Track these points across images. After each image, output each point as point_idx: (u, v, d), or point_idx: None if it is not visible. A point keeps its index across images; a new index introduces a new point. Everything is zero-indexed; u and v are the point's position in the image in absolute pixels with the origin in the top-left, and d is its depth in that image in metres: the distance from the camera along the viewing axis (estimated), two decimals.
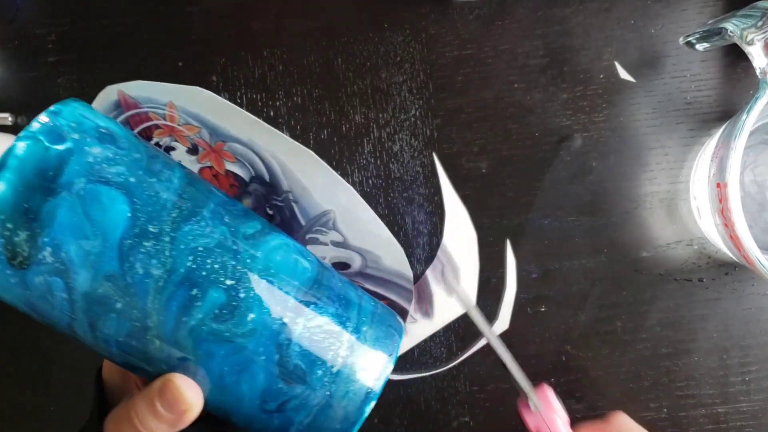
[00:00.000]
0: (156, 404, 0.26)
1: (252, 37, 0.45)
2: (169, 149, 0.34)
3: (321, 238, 0.35)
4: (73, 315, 0.26)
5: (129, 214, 0.26)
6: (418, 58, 0.45)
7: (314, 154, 0.31)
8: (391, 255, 0.34)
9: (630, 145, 0.44)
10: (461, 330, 0.45)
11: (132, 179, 0.26)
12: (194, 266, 0.26)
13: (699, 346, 0.43)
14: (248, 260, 0.28)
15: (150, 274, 0.26)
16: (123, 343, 0.26)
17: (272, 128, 0.31)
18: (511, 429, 0.45)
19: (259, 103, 0.45)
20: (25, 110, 0.46)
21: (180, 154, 0.35)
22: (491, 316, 0.45)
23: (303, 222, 0.35)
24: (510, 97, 0.44)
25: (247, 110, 0.45)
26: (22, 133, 0.25)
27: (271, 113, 0.45)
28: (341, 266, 0.35)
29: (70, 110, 0.27)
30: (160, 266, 0.26)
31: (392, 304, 0.36)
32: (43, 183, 0.25)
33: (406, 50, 0.45)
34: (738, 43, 0.36)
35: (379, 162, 0.45)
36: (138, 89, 0.32)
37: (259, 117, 0.45)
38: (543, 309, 0.44)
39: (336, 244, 0.35)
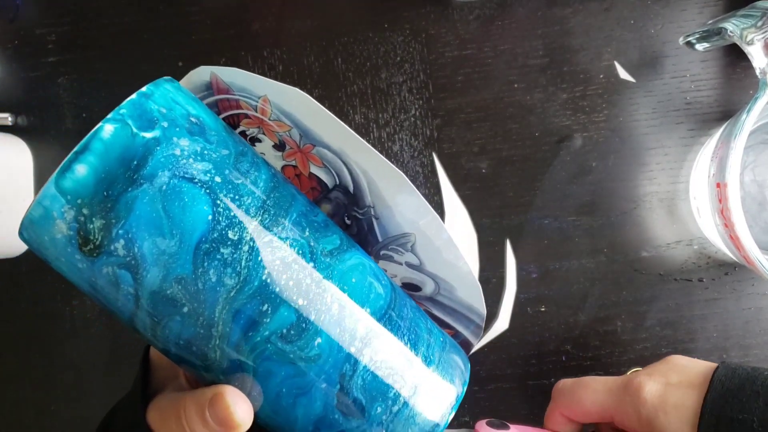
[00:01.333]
0: (206, 413, 0.25)
1: (252, 37, 0.45)
2: (254, 140, 0.33)
3: (396, 257, 0.33)
4: (136, 310, 0.25)
5: (210, 217, 0.24)
6: (418, 58, 0.45)
7: (405, 177, 0.30)
8: (467, 289, 0.32)
9: (630, 145, 0.44)
10: None
11: (218, 178, 0.25)
12: (269, 280, 0.25)
13: (699, 346, 0.43)
14: (323, 280, 0.26)
15: (223, 283, 0.24)
16: (183, 346, 0.25)
17: (366, 143, 0.30)
18: None
19: None
20: (25, 110, 0.46)
21: (266, 147, 0.33)
22: (491, 316, 0.45)
23: (380, 238, 0.33)
24: (510, 97, 0.44)
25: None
26: (111, 114, 0.24)
27: None
28: (412, 287, 0.34)
29: (162, 93, 0.26)
30: (235, 276, 0.24)
31: (456, 335, 0.34)
32: (125, 172, 0.23)
33: (406, 50, 0.45)
34: (738, 43, 0.36)
35: None
36: (233, 76, 0.30)
37: None
38: (543, 309, 0.44)
39: (410, 266, 0.33)
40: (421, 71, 0.45)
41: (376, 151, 0.30)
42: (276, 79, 0.45)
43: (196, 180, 0.24)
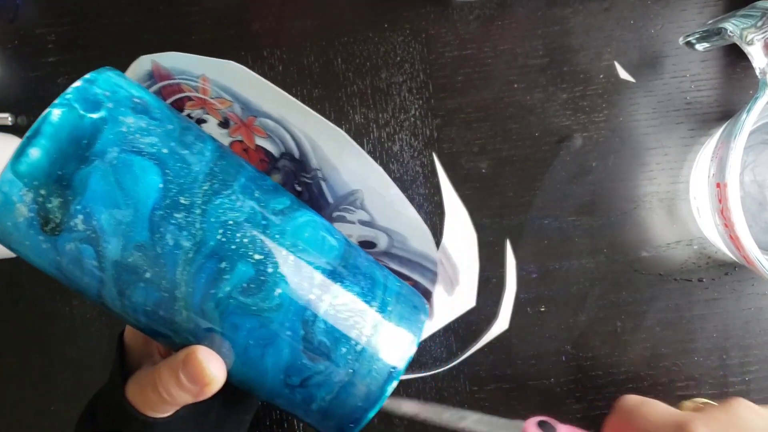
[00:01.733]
0: (180, 374, 0.26)
1: (252, 37, 0.45)
2: (200, 122, 0.34)
3: (348, 216, 0.35)
4: (102, 282, 0.26)
5: (161, 185, 0.26)
6: (417, 58, 0.45)
7: (345, 134, 0.31)
8: (418, 236, 0.34)
9: (630, 145, 0.44)
10: (461, 330, 0.45)
11: (165, 150, 0.27)
12: (224, 239, 0.26)
13: (699, 346, 0.43)
14: (277, 235, 0.28)
15: (180, 246, 0.26)
16: (150, 312, 0.27)
17: (304, 106, 0.31)
18: None
19: None
20: (25, 110, 0.46)
21: (211, 127, 0.34)
22: (491, 316, 0.45)
23: (331, 200, 0.34)
24: (510, 97, 0.44)
25: None
26: (58, 99, 0.26)
27: None
28: (367, 245, 0.35)
29: (105, 78, 0.27)
30: (190, 238, 0.26)
31: (416, 285, 0.36)
32: (76, 151, 0.25)
33: (406, 50, 0.45)
34: (738, 43, 0.36)
35: (379, 162, 0.45)
36: (171, 60, 0.32)
37: None
38: (543, 309, 0.44)
39: (363, 222, 0.35)
40: (421, 71, 0.45)
41: (315, 113, 0.31)
42: (276, 79, 0.45)
43: (144, 153, 0.26)
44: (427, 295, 0.36)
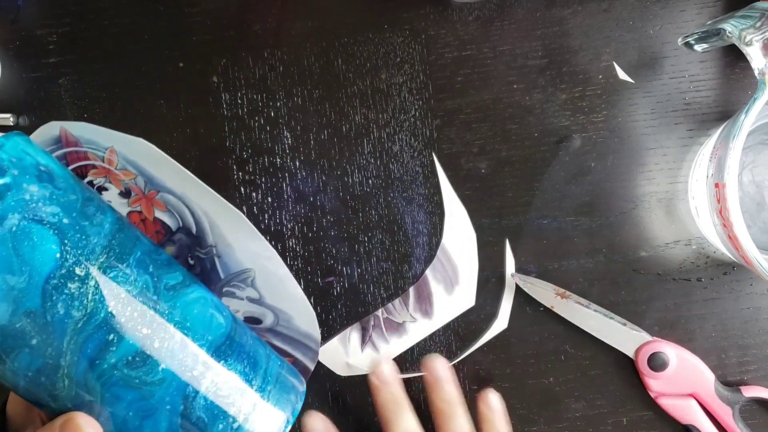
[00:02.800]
0: None
1: (252, 38, 0.45)
2: (101, 189, 0.36)
3: (237, 292, 0.36)
4: None
5: (58, 255, 0.26)
6: (417, 59, 0.45)
7: (242, 214, 0.33)
8: (303, 316, 0.36)
9: (628, 145, 0.44)
10: (461, 330, 0.45)
11: (65, 220, 0.27)
12: (114, 312, 0.27)
13: (697, 346, 0.44)
14: (166, 311, 0.29)
15: (70, 315, 0.26)
16: (31, 378, 0.27)
17: (204, 185, 0.33)
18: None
19: (260, 104, 0.45)
20: (26, 111, 0.46)
21: (112, 195, 0.36)
22: (491, 315, 0.45)
23: (222, 275, 0.36)
24: (509, 98, 0.45)
25: (248, 111, 0.45)
26: None
27: (272, 114, 0.45)
28: (253, 321, 0.37)
29: (13, 144, 0.28)
30: (82, 308, 0.26)
31: (296, 363, 0.37)
32: None
33: (406, 51, 0.45)
34: (736, 44, 0.36)
35: (379, 162, 0.45)
36: (81, 130, 0.33)
37: (259, 118, 0.46)
38: (542, 309, 0.44)
39: (252, 300, 0.36)
40: (421, 72, 0.45)
41: (216, 194, 0.32)
42: (277, 79, 0.45)
43: (45, 222, 0.26)
44: (305, 372, 0.38)
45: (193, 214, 0.35)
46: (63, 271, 0.26)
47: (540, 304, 0.44)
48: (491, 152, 0.45)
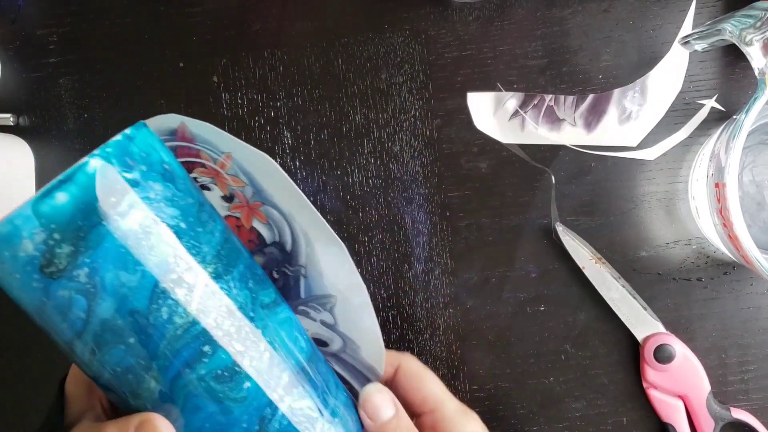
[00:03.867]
0: None
1: (253, 38, 0.45)
2: (204, 188, 0.34)
3: (312, 313, 0.36)
4: (79, 334, 0.26)
5: (172, 259, 0.26)
6: (417, 59, 0.45)
7: (344, 247, 0.32)
8: (372, 349, 0.35)
9: (628, 145, 0.44)
10: (461, 330, 0.45)
11: (182, 224, 0.27)
12: (214, 324, 0.27)
13: (697, 346, 0.44)
14: (260, 329, 0.28)
15: (172, 321, 0.26)
16: (119, 373, 0.26)
17: (316, 212, 0.32)
18: (511, 428, 0.45)
19: (260, 104, 0.45)
20: (26, 111, 0.46)
21: (214, 196, 0.35)
22: (491, 314, 0.45)
23: (302, 295, 0.35)
24: None
25: (248, 111, 0.45)
26: (98, 150, 0.25)
27: (272, 114, 0.45)
28: (320, 343, 0.36)
29: (143, 137, 0.27)
30: (185, 315, 0.26)
31: (353, 392, 0.37)
32: (103, 207, 0.25)
33: (406, 51, 0.45)
34: (736, 44, 0.36)
35: (379, 162, 0.45)
36: (201, 129, 0.32)
37: (259, 118, 0.46)
38: (542, 308, 0.44)
39: (324, 323, 0.36)
40: (421, 72, 0.45)
41: (325, 222, 0.32)
42: (277, 79, 0.45)
43: (164, 223, 0.26)
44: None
45: (293, 232, 0.34)
46: (174, 276, 0.26)
47: (540, 304, 0.44)
48: (491, 152, 0.45)
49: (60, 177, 0.24)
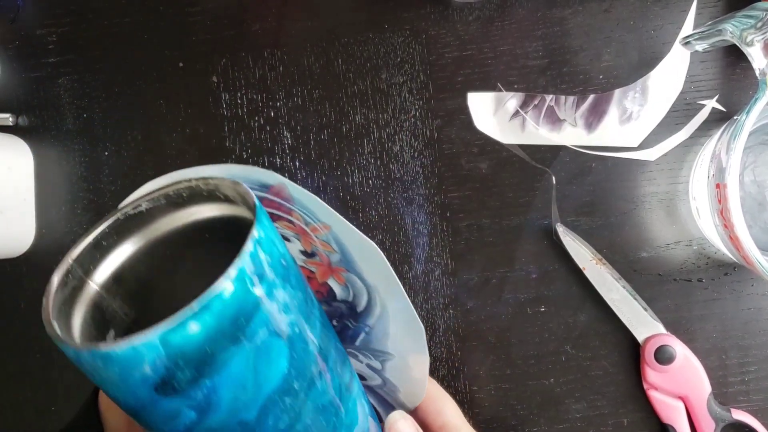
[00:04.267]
0: None
1: (252, 38, 0.45)
2: (284, 237, 0.32)
3: (361, 357, 0.34)
4: None
5: (285, 371, 0.24)
6: (418, 59, 0.45)
7: (423, 329, 0.31)
8: (411, 397, 0.34)
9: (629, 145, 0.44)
10: (461, 330, 0.45)
11: (297, 329, 0.25)
12: (310, 423, 0.26)
13: (698, 347, 0.43)
14: (343, 417, 0.27)
15: (277, 427, 0.25)
16: None
17: (404, 293, 0.31)
18: (511, 429, 0.45)
19: (260, 104, 0.45)
20: (25, 110, 0.46)
21: (292, 248, 0.32)
22: (491, 315, 0.45)
23: (358, 344, 0.34)
24: None
25: (248, 111, 0.45)
26: (235, 272, 0.22)
27: (272, 114, 0.45)
28: (360, 376, 0.35)
29: (267, 233, 0.24)
30: (287, 420, 0.25)
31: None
32: (232, 330, 0.22)
33: (406, 51, 0.45)
34: (737, 44, 0.36)
35: (379, 162, 0.45)
36: (303, 196, 0.30)
37: (259, 118, 0.45)
38: (543, 309, 0.44)
39: (370, 367, 0.35)
40: (421, 72, 0.45)
41: (411, 306, 0.30)
42: (277, 79, 0.45)
43: (283, 335, 0.24)
44: None
45: (370, 300, 0.32)
46: (285, 386, 0.24)
47: (540, 304, 0.44)
48: (492, 152, 0.44)
49: (194, 306, 0.22)
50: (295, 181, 0.45)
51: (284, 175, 0.45)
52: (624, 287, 0.43)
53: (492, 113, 0.44)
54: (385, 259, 0.29)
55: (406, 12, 0.45)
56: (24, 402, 0.47)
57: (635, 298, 0.43)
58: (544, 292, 0.44)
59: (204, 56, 0.46)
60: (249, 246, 0.23)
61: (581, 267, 0.43)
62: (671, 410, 0.43)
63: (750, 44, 0.36)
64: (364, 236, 0.29)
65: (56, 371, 0.47)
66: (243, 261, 0.22)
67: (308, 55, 0.45)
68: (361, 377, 0.35)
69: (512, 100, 0.43)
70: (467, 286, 0.45)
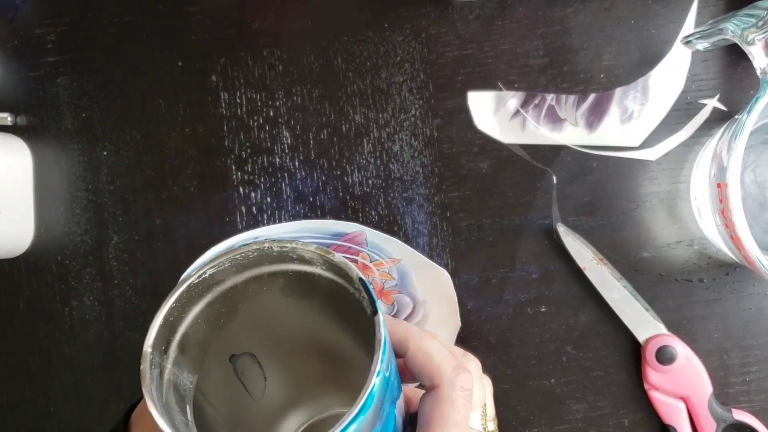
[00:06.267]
0: None
1: (252, 37, 0.45)
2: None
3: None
4: None
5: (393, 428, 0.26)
6: (418, 58, 0.45)
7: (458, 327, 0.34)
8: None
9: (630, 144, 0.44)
10: (461, 331, 0.45)
11: (397, 393, 0.26)
12: None
13: (699, 347, 0.43)
14: None
15: None
16: None
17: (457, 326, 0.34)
18: (511, 429, 0.45)
19: (259, 103, 0.45)
20: (24, 110, 0.46)
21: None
22: (491, 316, 0.45)
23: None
24: None
25: (247, 110, 0.45)
26: (376, 368, 0.23)
27: (271, 113, 0.45)
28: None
29: (385, 334, 0.25)
30: None
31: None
32: (375, 418, 0.23)
33: (406, 50, 0.45)
34: (738, 43, 0.36)
35: (379, 162, 0.45)
36: (378, 239, 0.31)
37: (258, 117, 0.45)
38: (543, 309, 0.44)
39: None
40: (421, 71, 0.45)
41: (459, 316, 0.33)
42: (276, 78, 0.45)
43: (393, 400, 0.26)
44: None
45: (413, 312, 0.35)
46: None
47: (541, 304, 0.44)
48: (492, 152, 0.44)
49: (353, 411, 0.23)
50: (295, 181, 0.45)
51: (284, 175, 0.45)
52: (625, 287, 0.43)
53: (492, 112, 0.43)
54: (452, 284, 0.31)
55: (406, 11, 0.45)
56: (22, 402, 0.47)
57: (636, 298, 0.43)
58: (545, 292, 0.44)
59: (203, 55, 0.45)
60: (380, 348, 0.24)
61: (582, 267, 0.43)
62: (672, 411, 0.43)
63: (751, 43, 0.36)
64: (435, 264, 0.33)
65: (54, 372, 0.47)
66: (382, 356, 0.23)
67: (308, 54, 0.45)
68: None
69: (513, 100, 0.43)
70: (467, 286, 0.45)
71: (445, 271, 0.34)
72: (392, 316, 0.35)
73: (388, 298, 0.35)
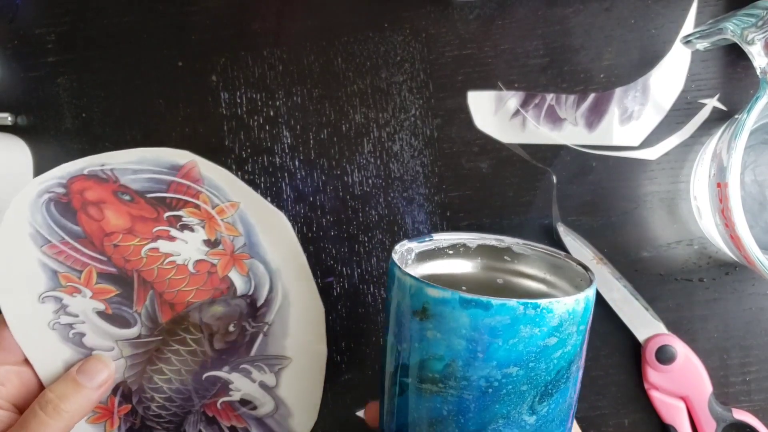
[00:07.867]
0: None
1: (252, 37, 0.45)
2: (185, 227, 0.34)
3: (254, 374, 0.35)
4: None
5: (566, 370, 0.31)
6: (418, 58, 0.45)
7: (323, 311, 0.33)
8: (304, 418, 0.35)
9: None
10: None
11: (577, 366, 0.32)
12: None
13: (699, 347, 0.43)
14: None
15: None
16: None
17: (312, 279, 0.33)
18: None
19: (259, 103, 0.45)
20: (24, 110, 0.46)
21: (194, 237, 0.34)
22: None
23: (253, 353, 0.35)
24: None
25: (247, 110, 0.45)
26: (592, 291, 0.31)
27: (271, 113, 0.45)
28: (245, 403, 0.35)
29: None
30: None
31: None
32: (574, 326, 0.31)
33: (406, 50, 0.45)
34: (738, 43, 0.36)
35: (379, 162, 0.45)
36: (214, 173, 0.32)
37: (259, 117, 0.45)
38: None
39: (263, 386, 0.35)
40: (421, 71, 0.45)
41: (317, 291, 0.32)
42: (276, 78, 0.45)
43: (578, 362, 0.32)
44: None
45: (272, 289, 0.34)
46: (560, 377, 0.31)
47: None
48: (492, 152, 0.44)
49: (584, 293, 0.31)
50: (295, 181, 0.45)
51: (284, 175, 0.45)
52: (625, 287, 0.43)
53: (492, 112, 0.43)
54: (293, 232, 0.31)
55: (406, 11, 0.45)
56: None
57: (636, 298, 0.43)
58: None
59: (203, 55, 0.45)
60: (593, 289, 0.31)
61: None
62: (672, 410, 0.43)
63: (751, 43, 0.36)
64: (274, 207, 0.31)
65: None
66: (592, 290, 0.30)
67: (308, 54, 0.45)
68: (251, 406, 0.35)
69: (513, 99, 0.43)
70: None
71: (282, 214, 0.33)
72: (250, 294, 0.35)
73: (242, 267, 0.34)
